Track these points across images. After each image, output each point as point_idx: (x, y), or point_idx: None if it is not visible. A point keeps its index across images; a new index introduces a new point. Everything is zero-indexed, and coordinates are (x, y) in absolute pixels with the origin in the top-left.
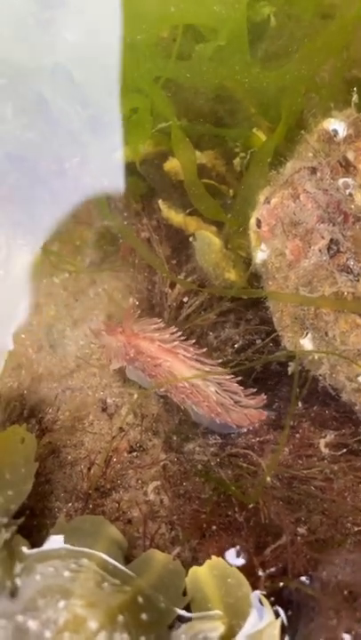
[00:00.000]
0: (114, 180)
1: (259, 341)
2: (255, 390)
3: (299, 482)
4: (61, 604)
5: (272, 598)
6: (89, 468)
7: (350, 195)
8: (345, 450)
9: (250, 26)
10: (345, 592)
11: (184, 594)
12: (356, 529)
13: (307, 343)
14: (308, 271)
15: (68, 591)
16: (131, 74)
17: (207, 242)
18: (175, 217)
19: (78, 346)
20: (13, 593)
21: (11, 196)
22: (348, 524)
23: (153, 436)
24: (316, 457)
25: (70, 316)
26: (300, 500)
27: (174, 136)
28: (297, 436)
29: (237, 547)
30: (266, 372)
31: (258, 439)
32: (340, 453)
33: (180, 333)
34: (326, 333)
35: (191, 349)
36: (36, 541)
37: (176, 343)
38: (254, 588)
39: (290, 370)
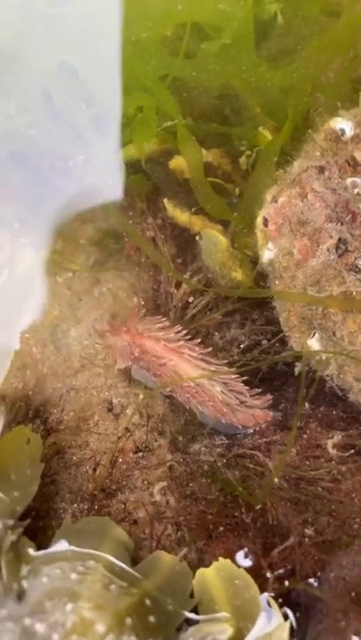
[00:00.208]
0: (118, 179)
1: (265, 342)
2: (261, 390)
3: (306, 483)
4: (69, 606)
5: (280, 600)
6: (94, 469)
7: (358, 194)
8: (353, 451)
9: (256, 24)
10: (353, 594)
11: (191, 596)
12: None
13: (314, 343)
14: (317, 270)
15: (75, 594)
16: (136, 72)
17: (214, 241)
18: (180, 216)
19: (83, 346)
20: (20, 595)
21: (15, 194)
22: (356, 526)
23: (159, 436)
24: (323, 458)
25: (74, 315)
26: (308, 502)
27: (180, 134)
28: (304, 436)
29: (245, 548)
30: (272, 373)
31: (265, 440)
32: (347, 454)
33: (185, 332)
34: (334, 333)
35: (197, 349)
36: (41, 543)
37: (181, 342)
38: (262, 589)
39: (296, 370)
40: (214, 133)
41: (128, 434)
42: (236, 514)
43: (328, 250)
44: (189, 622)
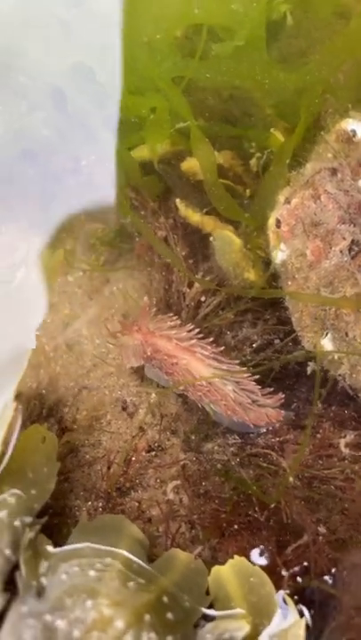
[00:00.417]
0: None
1: (277, 341)
2: (272, 390)
3: (319, 482)
4: (88, 603)
5: (295, 597)
6: (108, 467)
7: None
8: None
9: (266, 24)
10: None
11: (207, 593)
12: None
13: (327, 343)
14: (330, 272)
15: (94, 590)
16: (150, 73)
17: (228, 241)
18: (192, 216)
19: (94, 344)
20: (40, 592)
21: (26, 193)
22: None
23: (172, 435)
24: (336, 457)
25: (86, 314)
26: (320, 500)
27: (194, 136)
28: (318, 436)
29: (258, 546)
30: (284, 372)
31: (278, 439)
32: (360, 454)
33: (197, 331)
34: (347, 334)
35: (209, 348)
36: (57, 540)
37: (194, 341)
38: (277, 587)
39: (309, 370)
40: (224, 135)
41: (141, 433)
42: (249, 512)
43: (341, 251)
44: (206, 619)
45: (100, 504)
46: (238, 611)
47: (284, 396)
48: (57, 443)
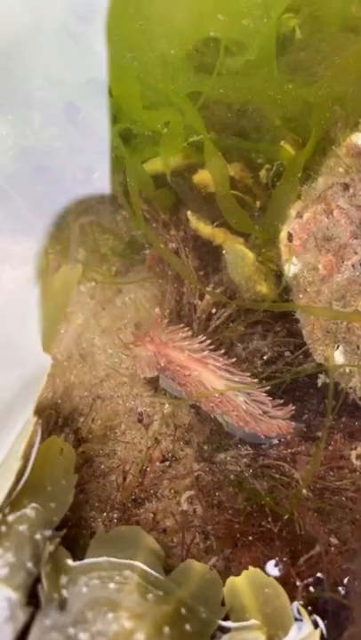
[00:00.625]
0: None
1: (287, 353)
2: (283, 401)
3: (331, 493)
4: (110, 616)
5: (309, 608)
6: (124, 478)
7: None
8: None
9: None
10: None
11: (222, 604)
12: None
13: (338, 356)
14: (342, 286)
15: (114, 603)
16: (164, 89)
17: (241, 255)
18: (204, 228)
19: (107, 354)
20: (62, 605)
21: (39, 205)
22: None
23: (185, 445)
24: (347, 469)
25: (98, 324)
26: (331, 511)
27: (207, 150)
28: (329, 447)
29: (271, 557)
30: (294, 384)
31: (290, 451)
32: None
33: (208, 342)
34: (358, 347)
35: (221, 359)
36: (74, 551)
37: (206, 353)
38: (290, 598)
39: (319, 382)
40: (234, 147)
41: (156, 444)
42: (263, 523)
43: (353, 266)
44: (222, 630)
45: (116, 515)
46: (254, 622)
47: (294, 407)
48: (74, 455)
